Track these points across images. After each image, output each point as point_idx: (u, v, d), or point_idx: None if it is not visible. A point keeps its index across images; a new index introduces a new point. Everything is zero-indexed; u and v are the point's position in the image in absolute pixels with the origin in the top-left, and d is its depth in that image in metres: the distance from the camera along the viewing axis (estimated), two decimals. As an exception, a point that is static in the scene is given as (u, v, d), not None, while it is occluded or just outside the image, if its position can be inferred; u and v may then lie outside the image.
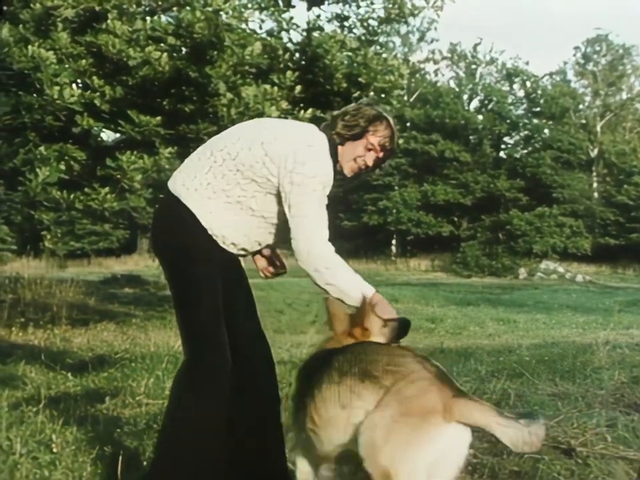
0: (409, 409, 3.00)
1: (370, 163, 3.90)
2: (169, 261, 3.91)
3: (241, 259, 4.08)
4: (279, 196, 3.70)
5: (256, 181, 3.72)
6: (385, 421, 3.01)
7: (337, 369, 3.28)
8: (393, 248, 55.28)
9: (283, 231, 3.79)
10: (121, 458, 4.44)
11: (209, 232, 3.78)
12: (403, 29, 58.12)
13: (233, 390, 3.81)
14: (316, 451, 3.43)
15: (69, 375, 8.05)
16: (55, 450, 4.91)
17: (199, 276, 3.80)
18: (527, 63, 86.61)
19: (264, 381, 4.06)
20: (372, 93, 12.84)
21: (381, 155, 3.91)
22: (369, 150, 3.87)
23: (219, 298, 3.81)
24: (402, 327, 3.59)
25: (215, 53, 10.91)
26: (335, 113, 4.01)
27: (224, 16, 10.79)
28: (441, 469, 2.98)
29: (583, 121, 58.80)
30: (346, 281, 3.60)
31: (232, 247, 3.84)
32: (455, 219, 54.63)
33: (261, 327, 4.16)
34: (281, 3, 12.98)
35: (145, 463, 4.58)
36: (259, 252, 4.04)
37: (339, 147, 3.85)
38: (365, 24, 14.49)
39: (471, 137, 56.95)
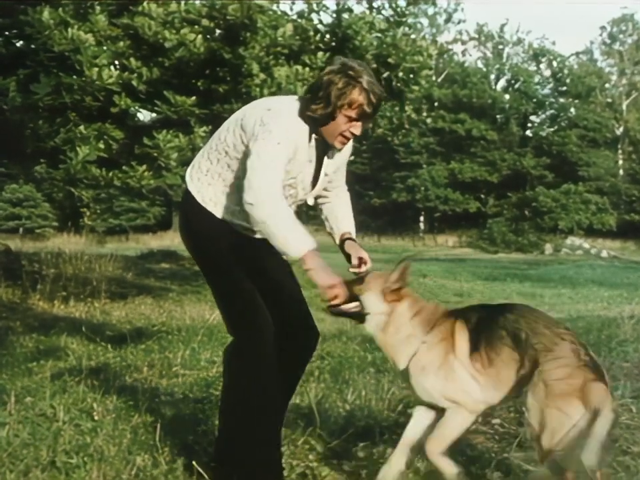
0: (554, 391, 3.13)
1: (358, 132, 3.65)
2: (196, 252, 3.91)
3: None
4: None
5: (238, 158, 3.67)
6: (538, 404, 3.16)
7: (507, 330, 3.35)
8: (421, 224, 55.20)
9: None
10: (158, 426, 4.48)
11: (218, 217, 3.77)
12: (430, 10, 58.10)
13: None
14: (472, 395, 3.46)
15: (109, 346, 8.16)
16: (96, 418, 4.97)
17: (225, 262, 3.78)
18: (554, 43, 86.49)
19: (306, 352, 4.03)
20: (401, 74, 12.75)
21: (365, 118, 3.63)
22: (351, 121, 3.59)
23: (247, 280, 3.77)
24: None
25: (248, 34, 10.88)
26: (305, 91, 3.75)
27: (255, -2, 10.77)
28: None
29: (609, 100, 58.15)
30: (286, 236, 3.38)
31: (240, 228, 3.77)
32: (482, 196, 54.40)
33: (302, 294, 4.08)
34: (309, -14, 12.92)
35: (181, 431, 4.61)
36: None
37: (322, 128, 3.63)
38: (393, 5, 14.37)
39: (497, 116, 56.58)
